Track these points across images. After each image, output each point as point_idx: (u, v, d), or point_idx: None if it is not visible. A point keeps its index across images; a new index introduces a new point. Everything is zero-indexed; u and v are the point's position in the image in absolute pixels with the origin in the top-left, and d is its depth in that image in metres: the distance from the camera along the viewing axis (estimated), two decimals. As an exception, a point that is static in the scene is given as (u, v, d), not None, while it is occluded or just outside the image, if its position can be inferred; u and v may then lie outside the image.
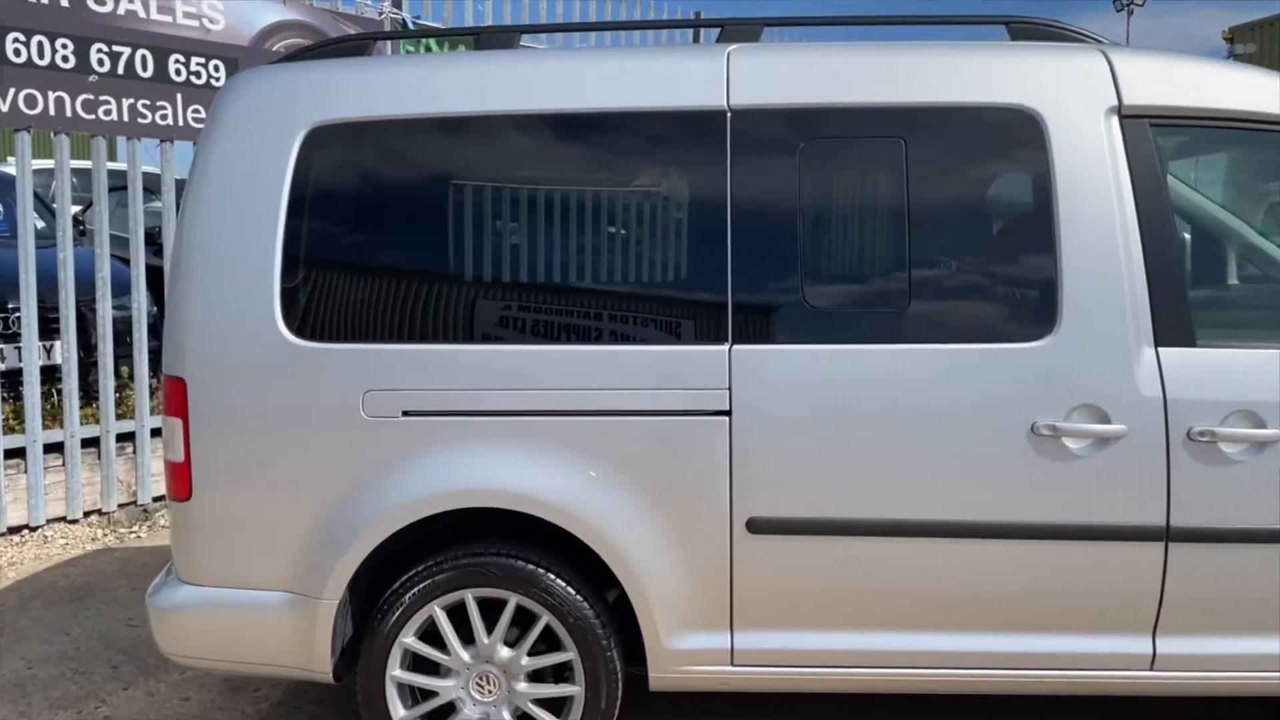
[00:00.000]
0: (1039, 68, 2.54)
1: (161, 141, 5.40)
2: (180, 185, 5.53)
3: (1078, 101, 2.52)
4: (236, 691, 3.37)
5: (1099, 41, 2.67)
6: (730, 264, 2.51)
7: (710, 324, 2.51)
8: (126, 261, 5.61)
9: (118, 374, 5.54)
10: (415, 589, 2.59)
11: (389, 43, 2.81)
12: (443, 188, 2.60)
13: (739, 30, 2.73)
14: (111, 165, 5.61)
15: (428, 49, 5.99)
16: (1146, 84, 2.53)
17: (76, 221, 7.12)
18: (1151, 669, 2.53)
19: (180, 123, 5.37)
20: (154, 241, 6.18)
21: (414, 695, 2.69)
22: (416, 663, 2.67)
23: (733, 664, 2.60)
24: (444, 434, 2.55)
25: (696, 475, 2.52)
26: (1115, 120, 2.52)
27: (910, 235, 2.50)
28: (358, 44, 2.79)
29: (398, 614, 2.60)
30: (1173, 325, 2.45)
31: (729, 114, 2.55)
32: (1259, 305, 2.66)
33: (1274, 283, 2.72)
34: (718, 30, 2.80)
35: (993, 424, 2.45)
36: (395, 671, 2.63)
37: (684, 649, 2.59)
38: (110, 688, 3.42)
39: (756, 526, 2.52)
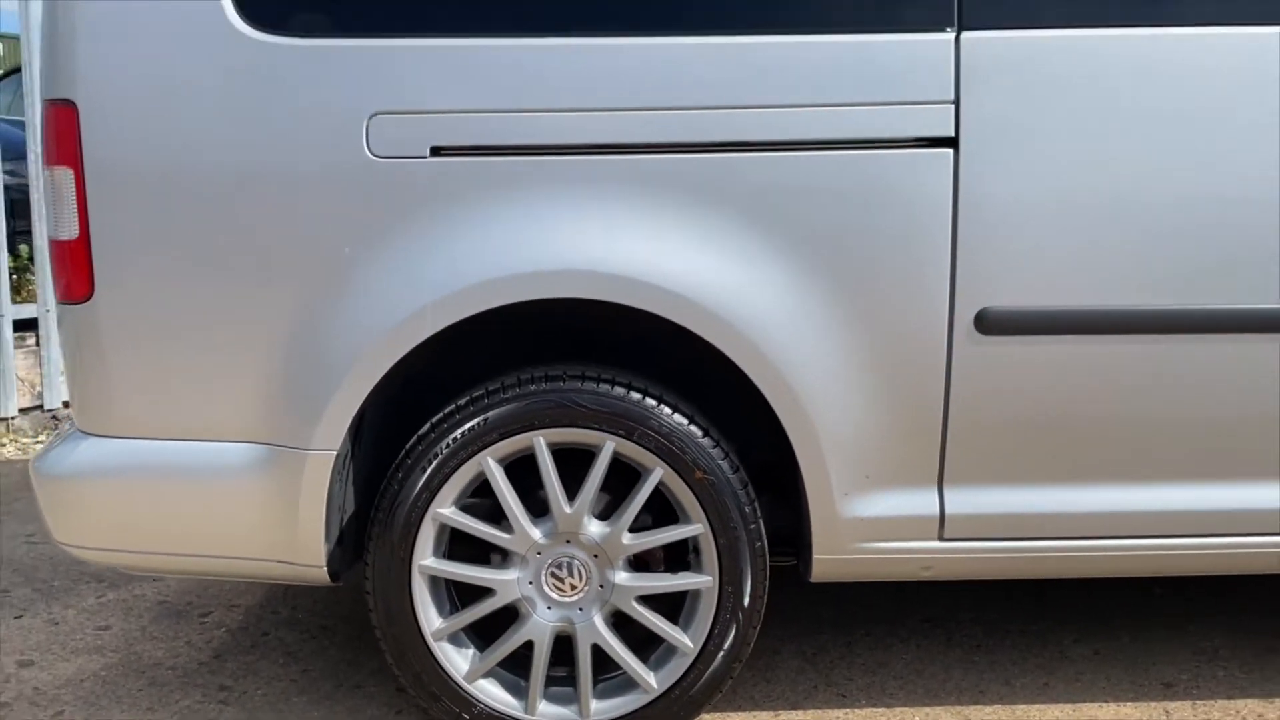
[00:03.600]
0: None
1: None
2: None
3: None
4: (177, 617, 2.41)
5: None
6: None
7: (925, -2, 1.59)
8: (20, 126, 4.57)
9: (14, 252, 4.47)
10: (458, 432, 1.65)
11: None
12: None
13: None
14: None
15: None
16: None
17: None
18: None
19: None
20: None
21: (454, 595, 1.77)
22: (456, 545, 1.74)
23: (942, 537, 1.72)
24: (501, 182, 1.60)
25: (899, 243, 1.61)
26: None
27: None
28: None
29: (429, 471, 1.66)
30: None
31: None
32: None
33: None
34: None
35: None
36: (426, 560, 1.70)
37: (868, 516, 1.70)
38: (-2, 616, 2.44)
39: (990, 324, 1.63)
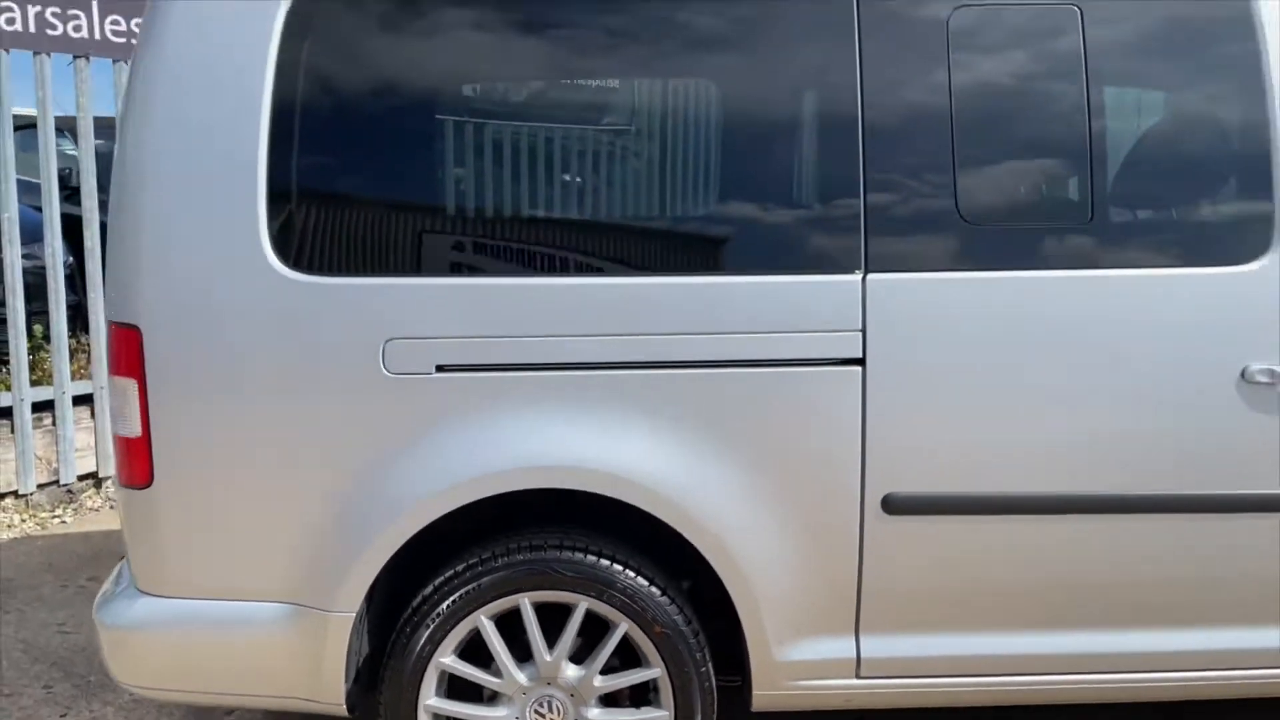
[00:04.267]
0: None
1: (75, 58, 4.58)
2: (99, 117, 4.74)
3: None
4: (205, 713, 2.74)
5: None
6: (863, 170, 1.95)
7: (838, 247, 1.95)
8: (37, 209, 4.83)
9: (30, 333, 4.76)
10: (455, 595, 2.00)
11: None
12: (491, 74, 1.98)
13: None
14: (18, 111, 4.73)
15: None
16: None
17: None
18: (1363, 663, 2.09)
19: (97, 35, 4.55)
20: (67, 186, 5.34)
21: (454, 728, 2.11)
22: (455, 686, 2.09)
23: (859, 676, 2.08)
24: (493, 394, 1.95)
25: (819, 442, 1.97)
26: None
27: (1089, 130, 1.96)
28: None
29: (432, 627, 2.00)
30: None
31: (856, -24, 1.97)
32: None
33: None
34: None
35: (1195, 371, 1.95)
36: (430, 700, 2.04)
37: (798, 660, 2.06)
38: (45, 713, 2.76)
39: (895, 505, 1.98)
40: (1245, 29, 1.97)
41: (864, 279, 1.95)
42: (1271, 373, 1.93)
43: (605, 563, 2.01)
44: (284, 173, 1.95)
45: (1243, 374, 1.94)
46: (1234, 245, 1.95)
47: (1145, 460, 1.97)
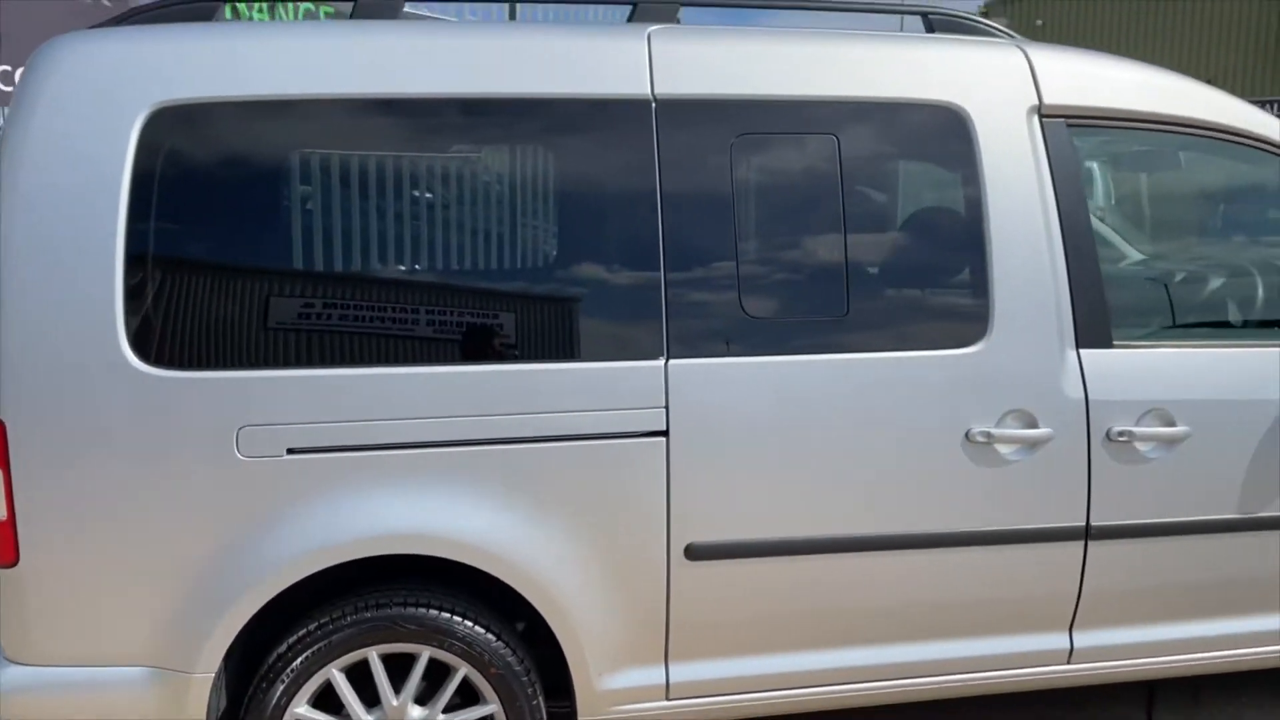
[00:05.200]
0: (963, 63, 2.47)
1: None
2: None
3: (1002, 100, 2.47)
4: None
5: (1012, 36, 2.64)
6: (664, 273, 2.29)
7: (645, 338, 2.29)
8: None
9: None
10: (308, 652, 2.23)
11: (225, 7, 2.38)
12: (327, 184, 2.22)
13: (653, 9, 2.49)
14: None
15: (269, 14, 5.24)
16: (1064, 83, 2.52)
17: None
18: (1069, 663, 2.59)
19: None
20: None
21: (309, 770, 2.34)
22: (310, 731, 2.32)
23: (668, 698, 2.43)
24: (339, 472, 2.19)
25: (632, 503, 2.30)
26: (1036, 120, 2.49)
27: (847, 240, 2.37)
28: (204, 6, 2.32)
29: (288, 681, 2.23)
30: (1092, 327, 2.48)
31: (654, 104, 2.32)
32: (1166, 306, 2.76)
33: (1175, 282, 2.82)
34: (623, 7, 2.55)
35: (931, 433, 2.39)
36: (287, 747, 2.26)
37: (616, 688, 2.39)
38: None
39: (695, 553, 2.34)
40: (968, 158, 2.42)
41: (666, 364, 2.29)
42: (988, 434, 2.40)
43: (445, 615, 2.28)
44: (138, 273, 2.13)
45: (966, 435, 2.40)
46: (958, 332, 2.40)
47: (893, 506, 2.40)
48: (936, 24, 2.62)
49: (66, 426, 2.10)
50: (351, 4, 2.40)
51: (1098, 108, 2.54)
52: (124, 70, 2.14)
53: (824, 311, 2.37)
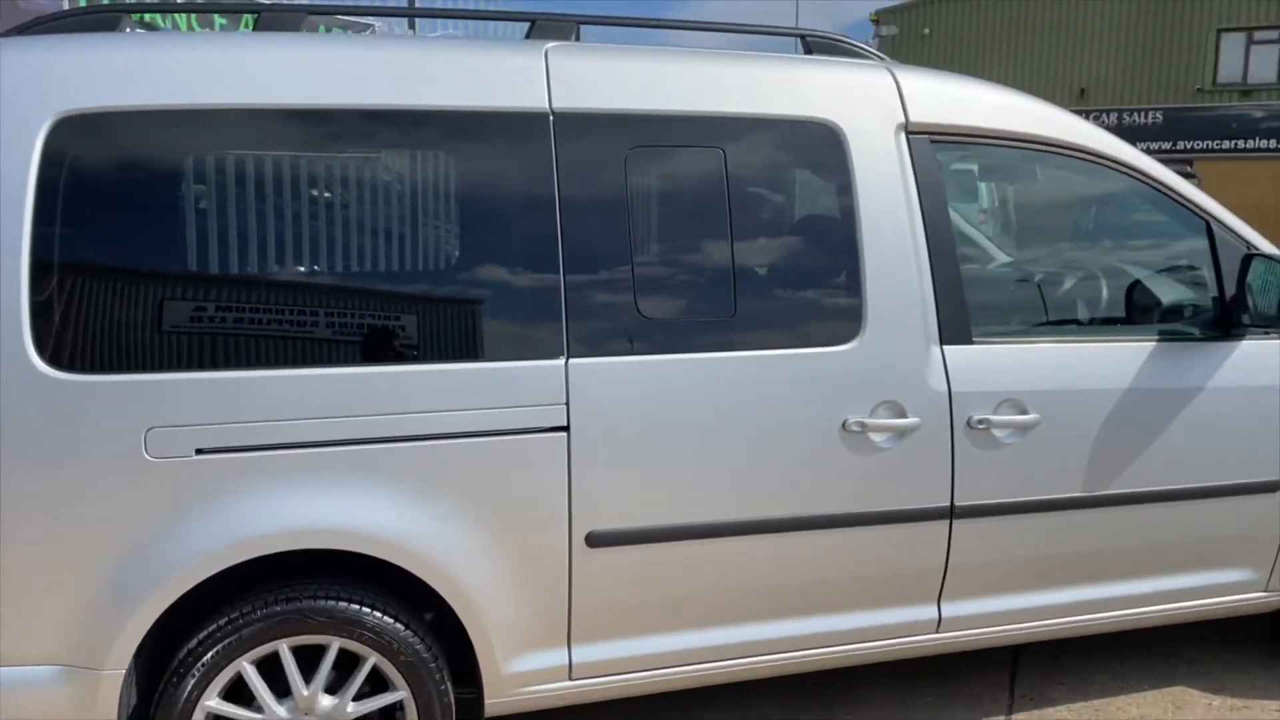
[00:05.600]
0: (839, 84, 2.68)
1: None
2: None
3: (873, 118, 2.69)
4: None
5: (882, 59, 2.86)
6: (563, 276, 2.43)
7: (546, 338, 2.42)
8: None
9: None
10: (218, 646, 2.29)
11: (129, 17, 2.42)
12: (229, 192, 2.28)
13: (551, 26, 2.62)
14: None
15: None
16: (928, 102, 2.75)
17: None
18: (938, 632, 2.83)
19: None
20: None
21: (220, 764, 2.40)
22: (220, 723, 2.38)
23: (570, 679, 2.57)
24: (246, 470, 2.26)
25: (535, 495, 2.43)
26: (903, 136, 2.72)
27: (734, 246, 2.55)
28: (108, 17, 2.35)
29: (199, 675, 2.28)
30: (954, 325, 2.72)
31: (552, 117, 2.45)
32: (1018, 305, 3.02)
33: (1028, 284, 3.10)
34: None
35: (811, 424, 2.59)
36: (198, 740, 2.32)
37: (521, 671, 2.52)
38: None
39: (595, 540, 2.49)
40: (843, 171, 2.63)
41: (566, 363, 2.43)
42: (862, 424, 2.61)
43: (355, 607, 2.37)
44: (43, 276, 2.16)
45: (843, 425, 2.61)
46: (835, 331, 2.61)
47: (777, 492, 2.59)
48: (814, 46, 2.83)
49: (-28, 431, 2.12)
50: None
51: (959, 125, 2.78)
52: (27, 79, 2.16)
53: (713, 313, 2.54)
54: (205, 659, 2.29)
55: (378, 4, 6.20)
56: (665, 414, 2.50)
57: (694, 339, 2.52)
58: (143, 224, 2.24)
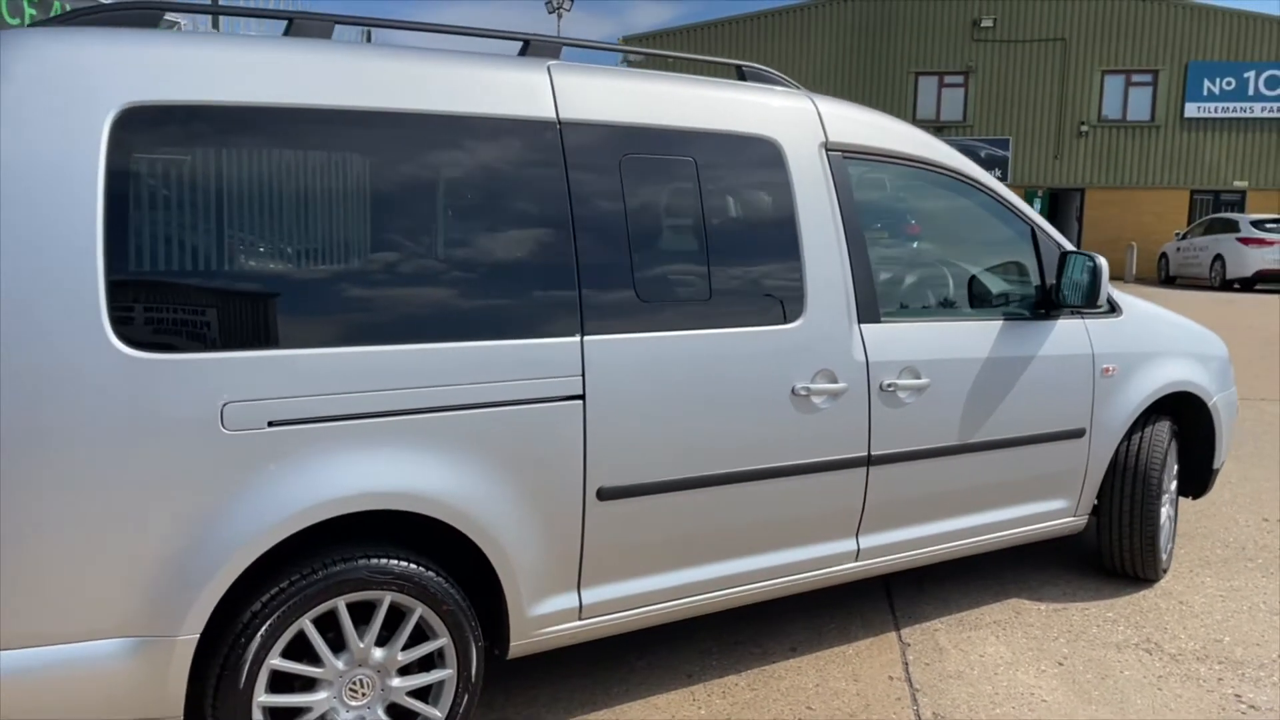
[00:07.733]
0: (777, 106, 3.24)
1: None
2: None
3: (802, 136, 3.26)
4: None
5: (798, 88, 3.45)
6: (577, 266, 2.80)
7: (564, 319, 2.78)
8: None
9: None
10: (284, 606, 2.46)
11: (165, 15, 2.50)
12: (295, 184, 2.47)
13: (541, 46, 2.98)
14: None
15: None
16: (841, 125, 3.37)
17: None
18: (856, 561, 3.44)
19: None
20: None
21: (276, 718, 2.54)
22: (277, 682, 2.52)
23: (580, 619, 2.92)
24: (315, 440, 2.46)
25: (556, 456, 2.78)
26: (824, 152, 3.32)
27: (709, 240, 3.03)
28: (147, 14, 2.45)
29: (264, 637, 2.44)
30: (868, 306, 3.34)
31: (560, 125, 2.82)
32: (910, 291, 3.71)
33: (916, 275, 3.79)
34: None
35: (769, 389, 3.11)
36: (262, 697, 2.46)
37: (541, 614, 2.85)
38: None
39: (604, 494, 2.86)
40: (784, 179, 3.19)
41: (582, 340, 2.80)
42: (806, 389, 3.16)
43: (404, 564, 2.61)
44: (120, 263, 2.26)
45: (792, 390, 3.15)
46: (783, 311, 3.16)
47: (743, 447, 3.08)
48: (748, 75, 3.37)
49: (58, 411, 2.18)
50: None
51: (863, 145, 3.42)
52: (88, 70, 2.26)
53: (693, 296, 3.00)
54: (271, 619, 2.44)
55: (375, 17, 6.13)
56: (659, 383, 2.92)
57: (679, 319, 2.97)
58: (209, 211, 2.38)
